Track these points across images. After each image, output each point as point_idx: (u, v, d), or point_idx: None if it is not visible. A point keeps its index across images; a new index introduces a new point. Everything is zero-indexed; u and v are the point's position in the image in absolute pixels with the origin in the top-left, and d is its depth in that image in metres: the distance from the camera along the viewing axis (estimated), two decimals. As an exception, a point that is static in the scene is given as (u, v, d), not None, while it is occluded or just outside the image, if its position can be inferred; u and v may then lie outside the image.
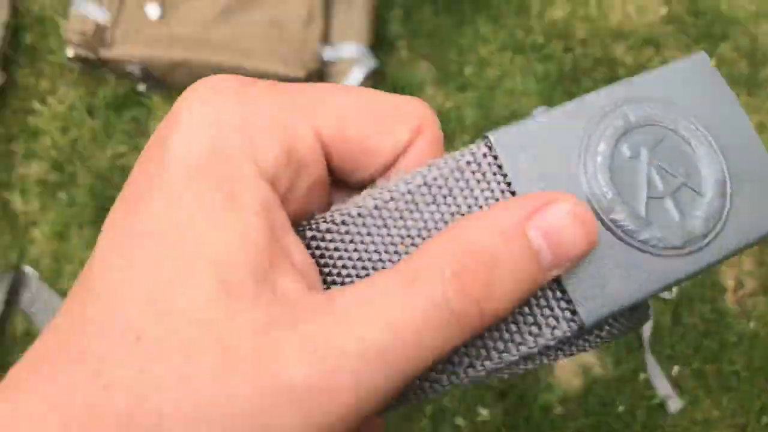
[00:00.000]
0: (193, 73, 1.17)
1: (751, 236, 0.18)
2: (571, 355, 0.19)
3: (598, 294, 0.17)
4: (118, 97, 1.25)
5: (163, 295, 0.15)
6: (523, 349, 0.17)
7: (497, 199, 0.18)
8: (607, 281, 0.17)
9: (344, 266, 0.18)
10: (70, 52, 1.21)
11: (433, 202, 0.18)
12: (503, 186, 0.18)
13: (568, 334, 0.17)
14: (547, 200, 0.17)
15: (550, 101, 1.28)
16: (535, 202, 0.17)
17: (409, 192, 0.18)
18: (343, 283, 0.18)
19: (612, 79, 1.29)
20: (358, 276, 0.17)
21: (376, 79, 1.22)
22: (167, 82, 1.23)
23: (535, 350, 0.17)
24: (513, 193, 0.18)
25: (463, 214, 0.17)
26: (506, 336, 0.17)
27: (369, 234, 0.18)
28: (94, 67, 1.26)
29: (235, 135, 0.17)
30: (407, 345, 0.15)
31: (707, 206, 0.18)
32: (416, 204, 0.18)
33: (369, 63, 1.20)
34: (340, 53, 1.20)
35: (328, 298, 0.16)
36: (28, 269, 1.17)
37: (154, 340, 0.15)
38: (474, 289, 0.16)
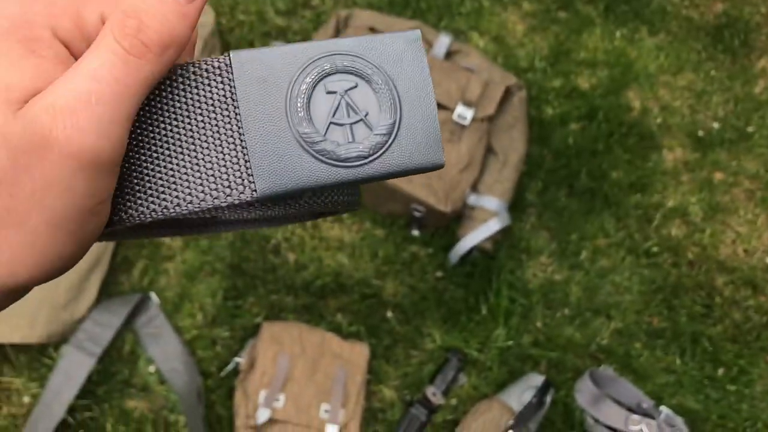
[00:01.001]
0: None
1: (401, 165, 0.24)
2: (279, 220, 0.26)
3: (276, 180, 0.23)
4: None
5: None
6: (216, 200, 0.24)
7: (223, 96, 0.24)
8: (285, 173, 0.23)
9: None
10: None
11: (191, 87, 0.24)
12: (229, 89, 0.24)
13: (247, 199, 0.23)
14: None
15: (647, 304, 1.39)
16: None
17: (184, 72, 0.24)
18: None
19: (708, 305, 1.40)
20: None
21: (502, 233, 1.35)
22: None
23: (216, 205, 0.23)
24: (234, 96, 0.24)
25: (203, 102, 0.24)
26: (190, 189, 0.24)
27: (160, 97, 0.24)
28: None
29: (38, 8, 0.22)
30: (109, 84, 0.21)
31: (371, 139, 0.24)
32: (184, 83, 0.24)
33: (505, 219, 1.33)
34: (483, 203, 1.34)
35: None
36: (153, 296, 1.28)
37: None
38: (131, 29, 0.22)
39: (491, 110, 1.35)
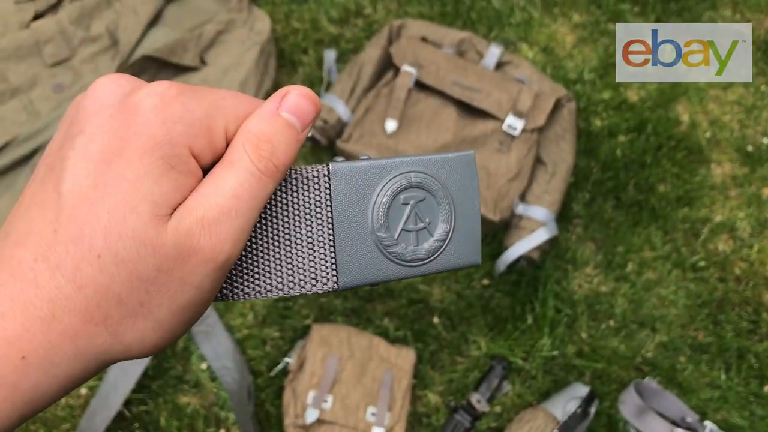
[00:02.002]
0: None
1: (449, 265, 0.30)
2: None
3: (355, 276, 0.28)
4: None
5: (117, 225, 0.23)
6: (303, 290, 0.28)
7: (321, 199, 0.28)
8: (363, 270, 0.28)
9: None
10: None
11: (291, 189, 0.28)
12: (326, 195, 0.29)
13: (329, 290, 0.28)
14: (285, 92, 0.27)
15: (693, 319, 1.39)
16: (279, 95, 0.27)
17: (287, 176, 0.28)
18: None
19: (754, 321, 1.40)
20: None
21: (548, 243, 1.36)
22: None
23: (303, 294, 0.28)
24: (330, 201, 0.28)
25: (302, 203, 0.28)
26: (283, 278, 0.28)
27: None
28: (318, 149, 1.45)
29: (180, 129, 0.25)
30: (246, 200, 0.25)
31: (431, 244, 0.29)
32: (285, 185, 0.28)
33: (553, 230, 1.34)
34: (531, 213, 1.36)
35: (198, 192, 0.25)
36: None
37: (112, 257, 0.23)
38: (265, 152, 0.26)
39: (541, 121, 1.36)
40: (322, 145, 1.43)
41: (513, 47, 1.61)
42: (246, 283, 0.28)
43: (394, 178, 0.29)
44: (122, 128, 0.24)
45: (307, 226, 0.28)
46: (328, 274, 0.28)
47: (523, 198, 1.38)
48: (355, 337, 1.27)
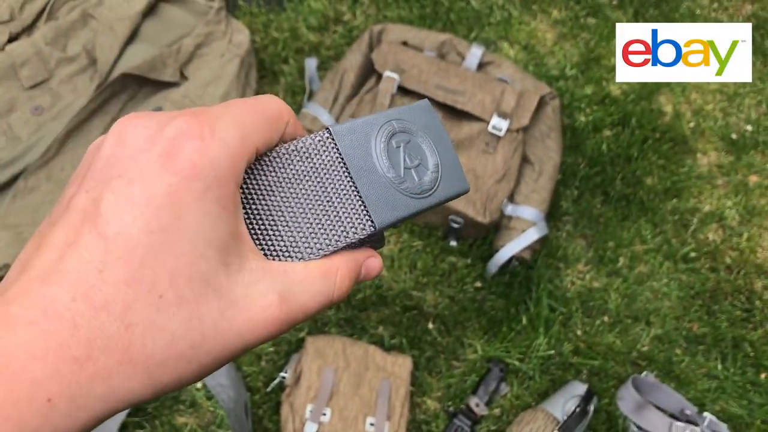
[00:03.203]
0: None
1: (450, 194, 0.33)
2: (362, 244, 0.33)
3: (386, 215, 0.31)
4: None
5: (186, 269, 0.24)
6: (347, 239, 0.31)
7: (335, 159, 0.31)
8: (390, 209, 0.31)
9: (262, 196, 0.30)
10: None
11: (300, 159, 0.31)
12: (336, 154, 0.31)
13: (369, 233, 0.30)
14: (370, 254, 0.32)
15: (686, 310, 1.39)
16: (366, 254, 0.31)
17: (287, 151, 0.31)
18: (267, 215, 0.30)
19: (748, 309, 1.40)
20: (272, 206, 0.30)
21: (539, 242, 1.36)
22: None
23: (348, 243, 0.30)
24: (342, 157, 0.31)
25: (316, 167, 0.31)
26: (334, 236, 0.31)
27: (270, 175, 0.31)
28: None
29: (223, 166, 0.25)
30: (312, 311, 0.28)
31: (430, 175, 0.32)
32: (291, 159, 0.31)
33: (543, 228, 1.34)
34: (520, 213, 1.35)
35: (272, 268, 0.27)
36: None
37: (176, 298, 0.23)
38: (345, 288, 0.29)
39: (526, 121, 1.36)
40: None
41: (494, 47, 1.61)
42: (292, 246, 0.30)
43: (382, 126, 0.32)
44: (166, 173, 0.24)
45: (331, 184, 0.30)
46: (363, 219, 0.30)
47: (511, 198, 1.38)
48: (350, 348, 1.26)
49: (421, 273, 1.37)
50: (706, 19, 1.68)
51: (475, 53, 1.45)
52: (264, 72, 1.54)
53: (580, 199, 1.46)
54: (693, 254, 1.43)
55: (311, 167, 0.31)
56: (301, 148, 0.31)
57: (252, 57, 1.46)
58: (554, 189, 1.40)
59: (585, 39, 1.62)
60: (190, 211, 0.24)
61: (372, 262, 0.32)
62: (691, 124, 1.57)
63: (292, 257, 0.29)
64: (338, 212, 0.30)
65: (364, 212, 0.30)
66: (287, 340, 1.30)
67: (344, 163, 0.31)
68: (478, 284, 1.38)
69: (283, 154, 0.30)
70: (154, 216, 0.24)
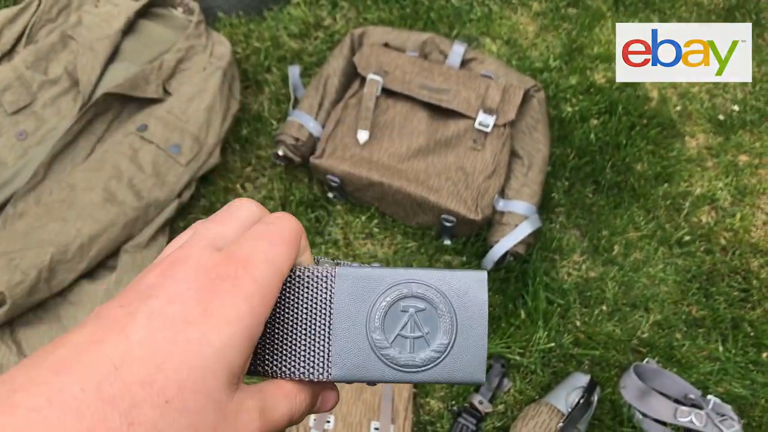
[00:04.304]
0: (383, 194, 1.34)
1: (436, 380, 0.31)
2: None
3: (347, 371, 0.30)
4: (309, 197, 1.42)
5: (195, 382, 0.25)
6: (306, 376, 0.31)
7: (324, 299, 0.31)
8: (355, 367, 0.30)
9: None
10: (280, 151, 1.40)
11: (297, 288, 0.31)
12: (329, 294, 0.31)
13: (323, 380, 0.31)
14: (330, 387, 0.32)
15: (684, 294, 1.39)
16: (324, 386, 0.32)
17: (291, 277, 0.31)
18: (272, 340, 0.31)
19: (745, 289, 1.40)
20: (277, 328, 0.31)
21: (533, 236, 1.36)
22: (353, 196, 1.40)
23: (300, 379, 0.31)
24: (331, 300, 0.31)
25: (306, 300, 0.31)
26: (285, 364, 0.31)
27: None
28: (293, 168, 1.43)
29: (258, 305, 0.28)
30: (277, 427, 0.29)
31: (427, 353, 0.30)
32: (291, 285, 0.31)
33: (536, 222, 1.34)
34: (512, 208, 1.35)
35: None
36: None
37: (181, 406, 0.24)
38: (302, 411, 0.31)
39: (512, 115, 1.36)
40: (296, 163, 1.42)
41: (476, 43, 1.60)
42: (258, 361, 0.31)
43: (396, 285, 0.31)
44: (206, 300, 0.26)
45: (310, 320, 0.31)
46: (323, 365, 0.30)
47: (502, 194, 1.37)
48: (351, 353, 1.26)
49: (417, 274, 1.37)
50: (686, 2, 1.68)
51: (457, 51, 1.45)
52: (248, 82, 1.53)
53: (572, 189, 1.46)
54: (687, 238, 1.43)
55: (302, 298, 0.31)
56: (302, 277, 0.31)
57: (234, 68, 1.45)
58: (545, 181, 1.40)
59: (567, 29, 1.62)
60: (219, 334, 0.26)
61: (328, 395, 0.33)
62: (678, 108, 1.57)
63: (263, 373, 0.31)
64: (306, 350, 0.31)
65: (326, 360, 0.31)
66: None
67: (330, 308, 0.31)
68: (475, 281, 1.38)
69: (299, 276, 0.31)
70: (181, 329, 0.25)
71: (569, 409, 1.22)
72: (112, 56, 1.41)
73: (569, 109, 1.53)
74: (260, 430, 0.28)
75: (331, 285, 0.31)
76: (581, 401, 1.22)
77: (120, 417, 0.23)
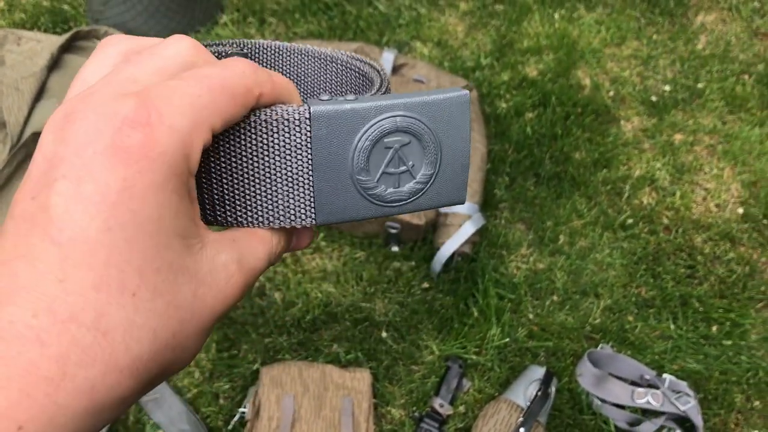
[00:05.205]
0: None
1: (421, 207, 0.30)
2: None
3: (332, 214, 0.29)
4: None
5: (153, 262, 0.23)
6: (288, 223, 0.29)
7: (301, 144, 0.28)
8: (340, 209, 0.29)
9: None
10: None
11: (267, 132, 0.28)
12: (306, 137, 0.29)
13: (307, 225, 0.29)
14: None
15: (632, 277, 1.41)
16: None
17: (255, 121, 0.28)
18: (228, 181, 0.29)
19: (691, 266, 1.43)
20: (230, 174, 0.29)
21: (478, 234, 1.37)
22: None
23: (283, 227, 0.29)
24: (310, 143, 0.28)
25: (279, 145, 0.28)
26: (270, 216, 0.29)
27: (232, 144, 0.29)
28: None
29: (178, 157, 0.24)
30: (257, 273, 0.28)
31: (412, 186, 0.29)
32: (257, 130, 0.28)
33: (479, 220, 1.35)
34: (455, 209, 1.36)
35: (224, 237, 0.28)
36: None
37: (149, 294, 0.23)
38: (279, 251, 0.30)
39: (446, 117, 1.36)
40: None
41: (408, 47, 1.61)
42: (229, 213, 0.29)
43: (378, 122, 0.28)
44: (118, 166, 0.22)
45: (287, 166, 0.28)
46: (306, 211, 0.29)
47: (444, 195, 1.38)
48: (307, 371, 1.25)
49: (368, 283, 1.37)
50: (610, -11, 1.71)
51: (387, 58, 1.45)
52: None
53: (513, 184, 1.47)
54: (630, 221, 1.45)
55: (275, 144, 0.28)
56: (271, 120, 0.28)
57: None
58: (485, 179, 1.41)
59: (495, 26, 1.64)
60: (148, 204, 0.23)
61: (302, 232, 0.32)
62: (611, 93, 1.59)
63: (237, 224, 0.29)
64: (286, 197, 0.29)
65: (311, 206, 0.29)
66: (242, 375, 1.29)
67: (309, 152, 0.28)
68: (426, 285, 1.38)
69: (251, 123, 0.28)
70: (110, 213, 0.22)
71: (528, 403, 1.23)
72: (39, 94, 1.39)
73: (504, 104, 1.54)
74: (242, 282, 0.27)
75: (306, 128, 0.28)
76: (539, 394, 1.23)
77: (90, 332, 0.21)
